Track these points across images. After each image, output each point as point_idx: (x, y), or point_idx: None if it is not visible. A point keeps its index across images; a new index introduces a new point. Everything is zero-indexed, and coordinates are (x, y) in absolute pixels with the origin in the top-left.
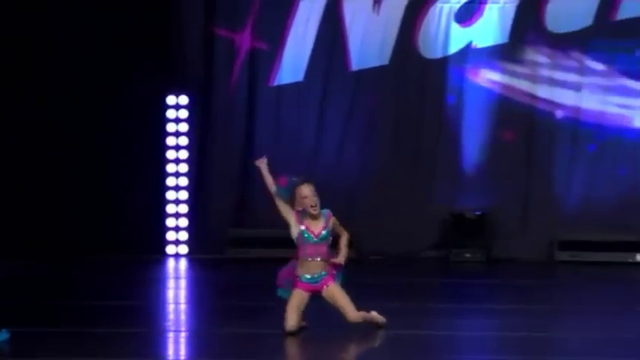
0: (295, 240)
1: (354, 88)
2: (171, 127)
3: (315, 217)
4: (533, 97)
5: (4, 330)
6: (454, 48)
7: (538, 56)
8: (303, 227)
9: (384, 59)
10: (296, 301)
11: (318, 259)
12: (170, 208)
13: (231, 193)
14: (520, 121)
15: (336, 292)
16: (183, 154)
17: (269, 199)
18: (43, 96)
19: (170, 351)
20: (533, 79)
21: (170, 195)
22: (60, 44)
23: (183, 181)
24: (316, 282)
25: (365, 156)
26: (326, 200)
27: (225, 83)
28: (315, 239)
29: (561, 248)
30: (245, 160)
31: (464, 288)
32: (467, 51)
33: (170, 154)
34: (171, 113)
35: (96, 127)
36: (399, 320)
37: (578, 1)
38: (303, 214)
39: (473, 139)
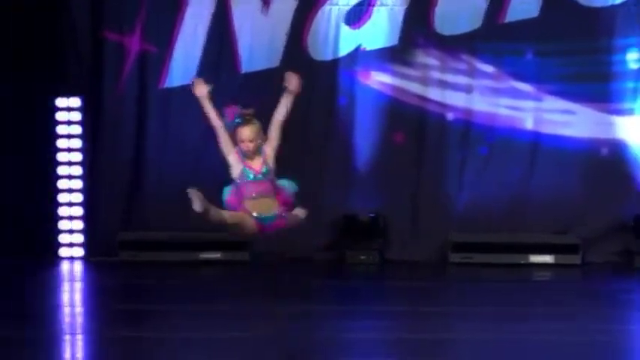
0: (236, 179)
1: (243, 89)
2: (62, 130)
3: (252, 158)
4: (424, 99)
5: None
6: (344, 50)
7: (428, 58)
8: (242, 165)
9: (274, 61)
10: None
11: (264, 196)
12: (63, 211)
13: (122, 195)
14: (411, 123)
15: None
16: (76, 157)
17: (159, 201)
18: None
19: (67, 354)
20: (424, 81)
21: (63, 197)
22: None
23: (77, 184)
24: (266, 223)
25: None
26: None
27: (114, 86)
28: (255, 176)
29: (454, 250)
30: (135, 162)
31: (357, 290)
32: (357, 53)
33: (62, 157)
34: (62, 115)
35: None
36: (289, 322)
37: (466, 3)
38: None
39: (364, 141)
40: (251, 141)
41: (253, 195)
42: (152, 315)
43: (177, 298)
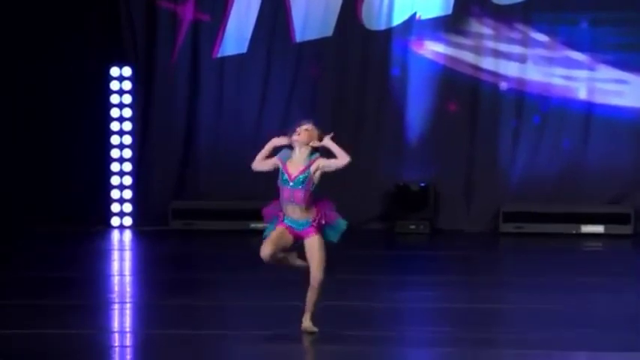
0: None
1: (297, 59)
2: (115, 99)
3: (297, 159)
4: (478, 68)
5: None
6: (398, 20)
7: (482, 28)
8: (281, 167)
9: (328, 31)
10: (275, 236)
11: (295, 204)
12: (114, 180)
13: (175, 164)
14: (464, 93)
15: (313, 246)
16: (127, 126)
17: (211, 171)
18: None
19: (115, 323)
20: (478, 50)
21: (114, 167)
22: (6, 14)
23: (128, 153)
24: (298, 228)
25: None
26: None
27: (167, 55)
28: (290, 183)
29: (505, 220)
30: (188, 131)
31: (408, 260)
32: (411, 23)
33: (114, 126)
34: (114, 85)
35: (39, 98)
36: (343, 292)
37: None
38: (287, 156)
39: (417, 111)
40: (307, 129)
41: (285, 202)
42: (202, 284)
43: (227, 268)
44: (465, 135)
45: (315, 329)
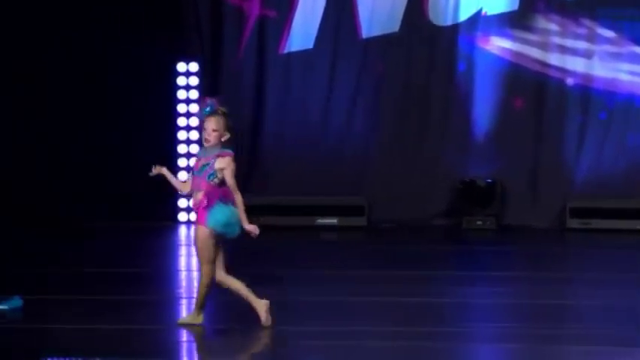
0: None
1: (363, 55)
2: (181, 94)
3: (208, 151)
4: (544, 64)
5: (16, 297)
6: (464, 15)
7: (548, 24)
8: (195, 159)
9: (394, 27)
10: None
11: (199, 193)
12: (181, 176)
13: (241, 160)
14: (531, 89)
15: (195, 235)
16: (194, 122)
17: (278, 167)
18: (58, 62)
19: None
20: (544, 46)
21: (181, 162)
22: (72, 10)
23: (195, 149)
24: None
25: (374, 123)
26: (336, 167)
27: (234, 51)
28: (194, 171)
29: (572, 215)
30: (255, 127)
31: (475, 255)
32: (477, 18)
33: (181, 122)
34: (181, 80)
35: (107, 93)
36: (410, 287)
37: None
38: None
39: (483, 107)
40: (213, 129)
41: (194, 191)
42: (271, 279)
43: (296, 263)
44: (531, 131)
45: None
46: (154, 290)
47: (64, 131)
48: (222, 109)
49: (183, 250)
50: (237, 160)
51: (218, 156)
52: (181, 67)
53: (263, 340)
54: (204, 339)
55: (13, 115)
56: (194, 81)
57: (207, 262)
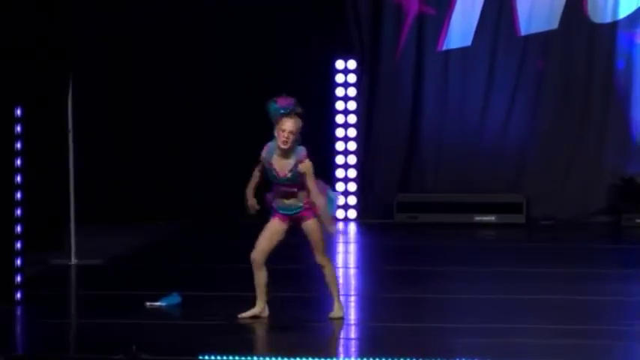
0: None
1: (522, 52)
2: (339, 92)
3: (285, 155)
4: None
5: (175, 293)
6: (624, 12)
7: None
8: (267, 165)
9: (553, 24)
10: (269, 232)
11: (289, 198)
12: (339, 173)
13: (399, 157)
14: None
15: (310, 230)
16: (352, 119)
17: (436, 164)
18: (210, 57)
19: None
20: None
21: (339, 159)
22: (229, 7)
23: (352, 146)
24: (292, 213)
25: (533, 121)
26: (494, 164)
27: (392, 47)
28: (278, 180)
29: None
30: (413, 124)
31: (634, 253)
32: (637, 15)
33: (339, 119)
34: (339, 77)
35: (265, 90)
36: (568, 285)
37: None
38: (271, 151)
39: None
40: (291, 132)
41: (279, 197)
42: (429, 276)
43: (453, 260)
44: None
45: (341, 315)
46: (312, 287)
47: (221, 128)
48: (299, 109)
49: (340, 248)
50: (394, 157)
51: (298, 162)
52: (340, 64)
53: (419, 338)
54: (361, 336)
55: (172, 116)
56: (352, 78)
57: (327, 252)
